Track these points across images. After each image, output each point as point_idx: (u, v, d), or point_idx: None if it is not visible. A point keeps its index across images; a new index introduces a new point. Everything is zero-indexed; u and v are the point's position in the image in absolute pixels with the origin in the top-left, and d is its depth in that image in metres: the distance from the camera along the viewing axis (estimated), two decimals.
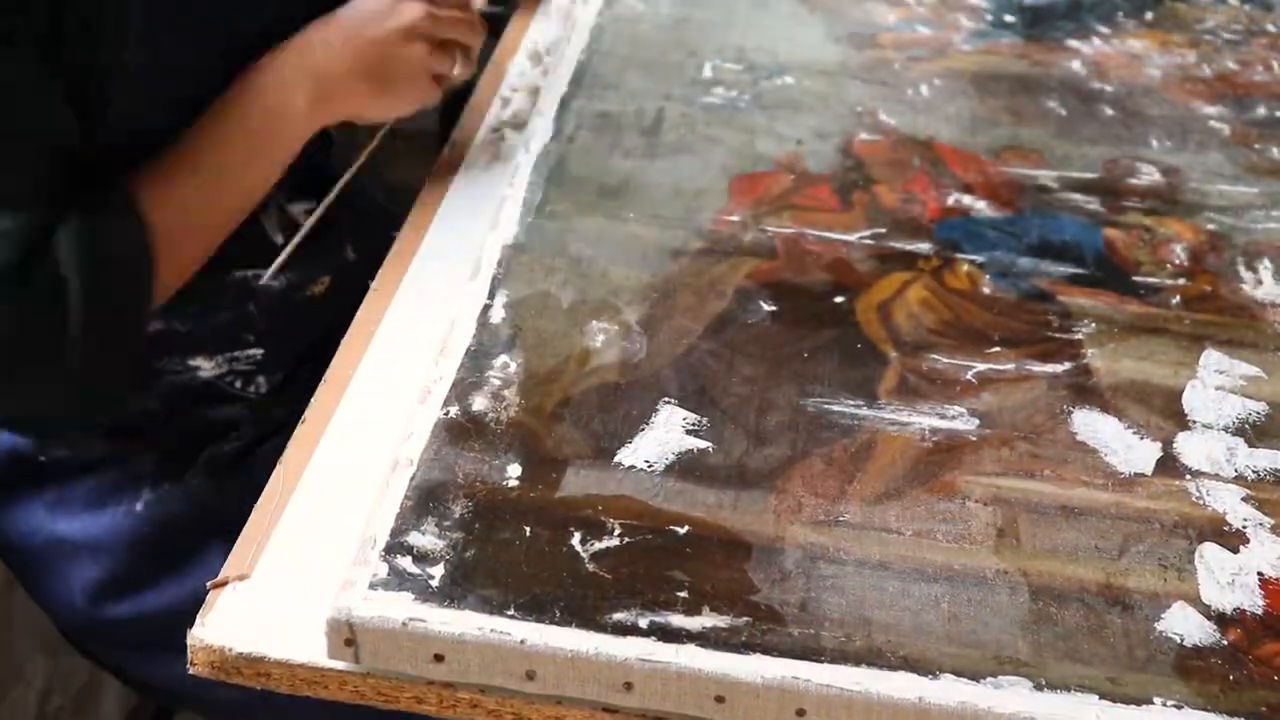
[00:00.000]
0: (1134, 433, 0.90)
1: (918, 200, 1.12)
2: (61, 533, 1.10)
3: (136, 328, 1.00)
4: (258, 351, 1.15)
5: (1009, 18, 1.43)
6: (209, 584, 0.81)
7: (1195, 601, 0.79)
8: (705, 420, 0.89)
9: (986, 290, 1.02)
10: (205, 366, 1.14)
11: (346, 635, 0.74)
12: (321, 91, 1.06)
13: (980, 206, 1.12)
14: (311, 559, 0.82)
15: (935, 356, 0.95)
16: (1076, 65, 1.34)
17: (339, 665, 0.76)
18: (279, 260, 1.09)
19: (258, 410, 1.16)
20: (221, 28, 1.05)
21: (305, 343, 1.18)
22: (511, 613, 0.75)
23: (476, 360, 0.92)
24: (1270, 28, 1.44)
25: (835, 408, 0.90)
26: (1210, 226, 1.12)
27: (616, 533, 0.80)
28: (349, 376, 0.94)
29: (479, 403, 0.88)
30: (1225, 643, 0.77)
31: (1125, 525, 0.84)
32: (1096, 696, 0.73)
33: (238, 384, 1.15)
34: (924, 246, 1.07)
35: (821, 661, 0.74)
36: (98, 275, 0.94)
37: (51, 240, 0.93)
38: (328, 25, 1.07)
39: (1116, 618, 0.78)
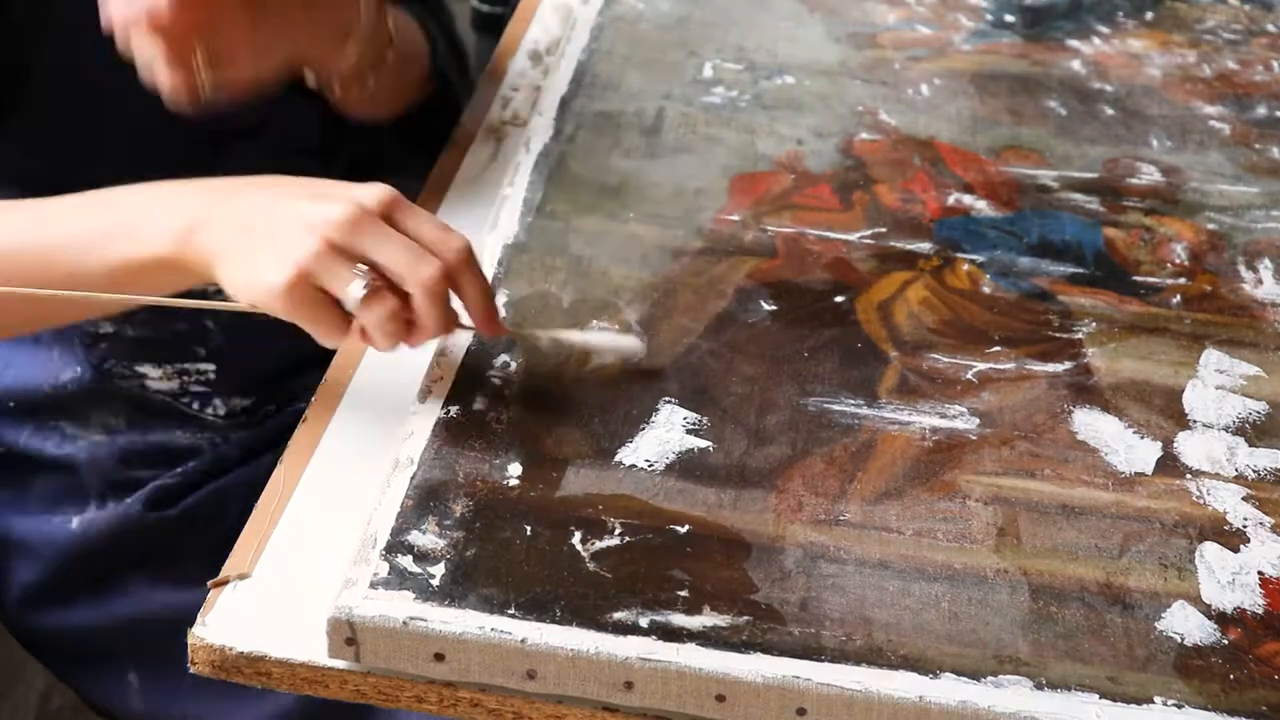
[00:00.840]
0: (1134, 432, 0.90)
1: (918, 200, 1.12)
2: (9, 530, 1.10)
3: None
4: (209, 368, 1.12)
5: (1009, 17, 1.43)
6: (210, 583, 0.81)
7: (1196, 601, 0.79)
8: (705, 419, 0.89)
9: (987, 290, 1.02)
10: (152, 375, 1.11)
11: (347, 634, 0.74)
12: (190, 214, 0.85)
13: (980, 206, 1.12)
14: (312, 558, 0.82)
15: (935, 356, 0.95)
16: (1077, 65, 1.34)
17: (340, 664, 0.76)
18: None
19: (215, 435, 1.13)
20: None
21: (265, 367, 1.14)
22: (512, 612, 0.75)
23: (477, 359, 0.92)
24: (1270, 27, 1.44)
25: (835, 407, 0.90)
26: (1210, 226, 1.12)
27: (617, 532, 0.80)
28: (349, 376, 0.94)
29: (479, 402, 0.88)
30: (1226, 642, 0.77)
31: (1126, 524, 0.84)
32: (1097, 696, 0.73)
33: (194, 405, 1.13)
34: (924, 246, 1.07)
35: (822, 660, 0.73)
36: None
37: None
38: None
39: (1117, 617, 0.78)
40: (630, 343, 0.87)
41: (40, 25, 0.98)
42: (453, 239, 0.84)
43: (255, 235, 0.83)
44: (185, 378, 1.12)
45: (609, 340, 0.86)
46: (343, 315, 0.83)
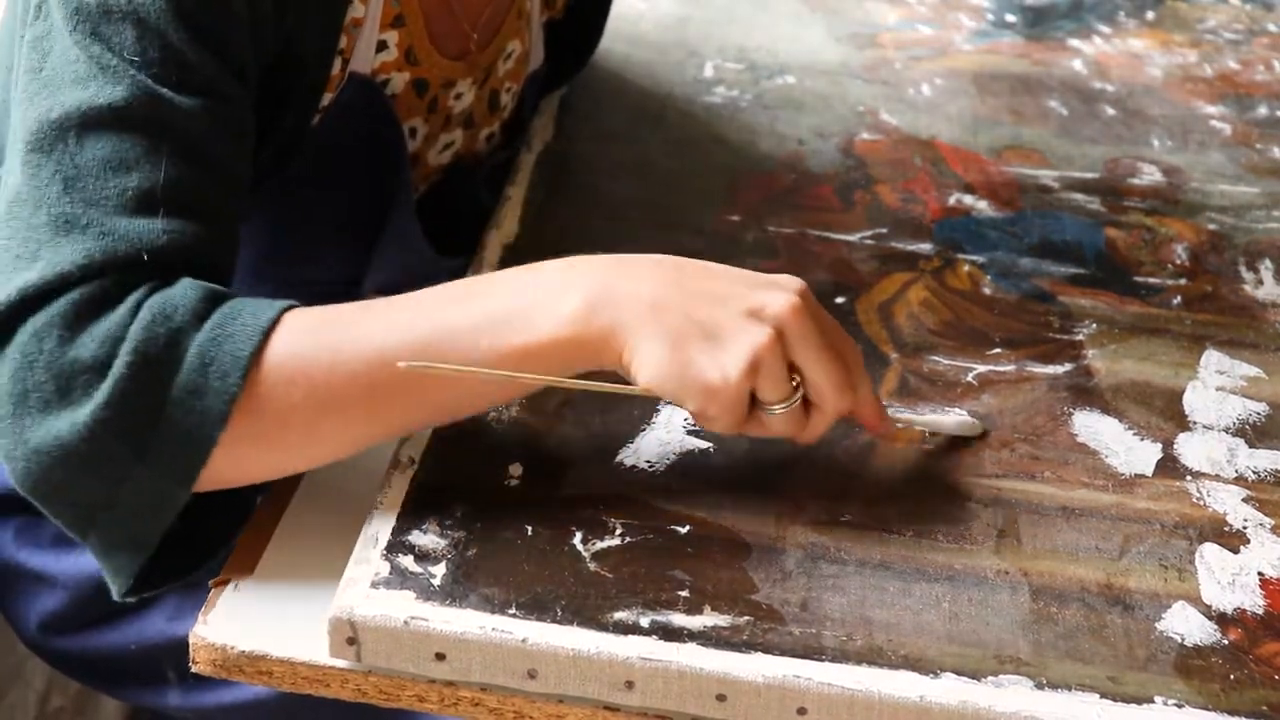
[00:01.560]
0: (1134, 434, 0.90)
1: (919, 200, 1.12)
2: (22, 562, 1.08)
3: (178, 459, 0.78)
4: None
5: (1010, 17, 1.43)
6: (211, 582, 0.81)
7: (1196, 601, 0.79)
8: None
9: (987, 291, 1.03)
10: None
11: (348, 634, 0.74)
12: (586, 293, 0.79)
13: (981, 206, 1.12)
14: (313, 558, 0.82)
15: (936, 358, 0.96)
16: (1078, 65, 1.35)
17: (341, 663, 0.76)
18: None
19: None
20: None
21: None
22: (513, 612, 0.75)
23: None
24: (1271, 27, 1.45)
25: None
26: (1211, 226, 1.12)
27: (618, 532, 0.80)
28: None
29: None
30: (1226, 642, 0.77)
31: (1126, 526, 0.84)
32: (1097, 695, 0.73)
33: None
34: (925, 247, 1.07)
35: (823, 660, 0.74)
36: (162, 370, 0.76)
37: (163, 287, 0.79)
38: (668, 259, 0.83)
39: (1117, 617, 0.78)
40: (971, 423, 0.89)
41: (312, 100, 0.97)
42: (855, 347, 0.83)
43: (684, 318, 0.79)
44: None
45: (953, 422, 0.89)
46: (749, 408, 0.80)
